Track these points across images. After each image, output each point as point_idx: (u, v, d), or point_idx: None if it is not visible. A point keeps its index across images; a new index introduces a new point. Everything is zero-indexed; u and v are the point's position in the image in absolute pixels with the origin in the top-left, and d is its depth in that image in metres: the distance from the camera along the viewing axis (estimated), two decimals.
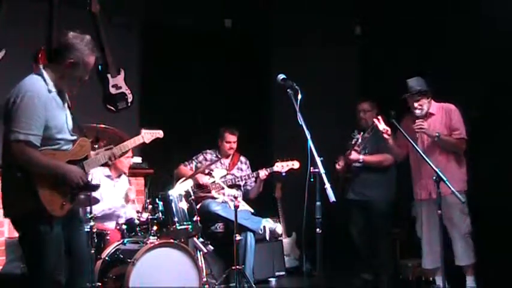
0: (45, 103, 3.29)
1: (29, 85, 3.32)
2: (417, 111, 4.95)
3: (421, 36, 6.13)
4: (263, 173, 5.68)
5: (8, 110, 3.30)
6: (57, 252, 3.32)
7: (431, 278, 5.24)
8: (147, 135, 4.02)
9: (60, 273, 3.33)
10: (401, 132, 4.61)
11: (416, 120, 4.89)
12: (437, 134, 4.84)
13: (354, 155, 5.47)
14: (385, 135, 5.00)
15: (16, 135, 3.21)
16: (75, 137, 3.45)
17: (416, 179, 5.05)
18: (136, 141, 3.91)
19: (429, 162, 4.27)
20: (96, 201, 4.52)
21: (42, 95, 3.30)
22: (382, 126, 4.96)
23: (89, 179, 3.51)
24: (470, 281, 4.87)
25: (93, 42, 3.47)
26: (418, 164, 4.97)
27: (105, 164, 3.72)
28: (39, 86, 3.32)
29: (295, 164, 5.58)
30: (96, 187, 3.69)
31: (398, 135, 5.01)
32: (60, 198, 3.32)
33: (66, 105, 3.47)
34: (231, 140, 5.82)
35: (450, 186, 4.15)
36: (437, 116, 4.99)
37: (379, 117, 4.99)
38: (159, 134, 4.14)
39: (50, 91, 3.34)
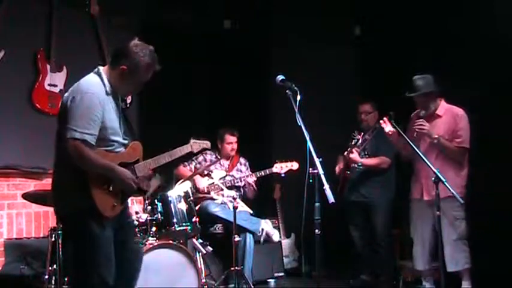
0: (103, 104, 3.27)
1: (90, 85, 3.30)
2: (421, 112, 4.87)
3: (421, 36, 6.13)
4: (249, 179, 5.67)
5: (66, 108, 3.26)
6: (107, 254, 3.30)
7: (424, 279, 5.23)
8: (196, 145, 4.10)
9: (109, 276, 3.29)
10: (401, 134, 4.59)
11: (417, 120, 4.82)
12: (436, 137, 4.75)
13: (354, 155, 5.45)
14: (392, 137, 4.92)
15: (73, 133, 3.17)
16: (127, 141, 3.45)
17: (414, 178, 5.03)
18: (184, 149, 3.94)
19: (429, 164, 4.25)
20: None
21: (101, 96, 3.28)
22: (388, 128, 4.88)
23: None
24: (466, 284, 4.84)
25: (155, 55, 3.40)
26: (417, 163, 4.94)
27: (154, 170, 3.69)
28: (99, 87, 3.31)
29: (294, 165, 5.57)
30: (145, 191, 3.66)
31: (407, 134, 4.97)
32: (111, 198, 3.31)
33: (120, 108, 3.46)
34: (232, 141, 5.81)
35: (450, 187, 4.12)
36: (444, 119, 4.88)
37: (385, 118, 4.89)
38: (207, 144, 4.21)
39: (107, 93, 3.34)
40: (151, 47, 3.41)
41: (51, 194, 3.46)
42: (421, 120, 4.80)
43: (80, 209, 3.25)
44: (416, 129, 4.78)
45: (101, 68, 3.39)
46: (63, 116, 3.26)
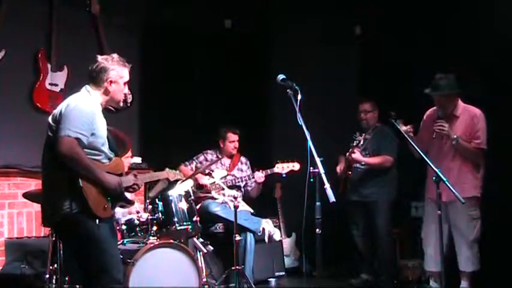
0: (94, 113, 3.54)
1: (80, 97, 3.59)
2: (440, 112, 4.78)
3: (421, 36, 6.13)
4: (259, 175, 5.66)
5: (60, 114, 3.49)
6: (109, 251, 3.49)
7: (432, 278, 5.23)
8: (171, 174, 4.51)
9: (118, 272, 3.50)
10: (402, 133, 4.58)
11: (437, 120, 4.73)
12: (455, 137, 4.67)
13: (357, 155, 5.44)
14: (411, 134, 4.77)
15: (67, 132, 3.37)
16: (112, 155, 3.67)
17: (429, 177, 4.96)
18: (162, 175, 4.47)
19: (429, 162, 4.23)
20: None
21: (92, 106, 3.57)
22: (404, 127, 4.69)
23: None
24: (465, 284, 4.83)
25: (122, 57, 3.73)
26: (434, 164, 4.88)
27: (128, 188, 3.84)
28: (89, 100, 3.59)
29: (296, 166, 5.56)
30: (131, 202, 3.94)
31: (420, 130, 4.93)
32: (102, 200, 3.51)
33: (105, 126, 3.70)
34: (234, 139, 5.82)
35: (450, 187, 4.11)
36: (461, 119, 4.79)
37: (399, 120, 4.74)
38: (180, 175, 4.65)
39: (96, 106, 3.61)
40: (114, 54, 3.72)
41: (42, 204, 3.65)
42: (441, 120, 4.71)
43: (75, 210, 3.40)
44: (437, 130, 4.70)
45: (88, 87, 3.65)
46: (57, 121, 3.47)
